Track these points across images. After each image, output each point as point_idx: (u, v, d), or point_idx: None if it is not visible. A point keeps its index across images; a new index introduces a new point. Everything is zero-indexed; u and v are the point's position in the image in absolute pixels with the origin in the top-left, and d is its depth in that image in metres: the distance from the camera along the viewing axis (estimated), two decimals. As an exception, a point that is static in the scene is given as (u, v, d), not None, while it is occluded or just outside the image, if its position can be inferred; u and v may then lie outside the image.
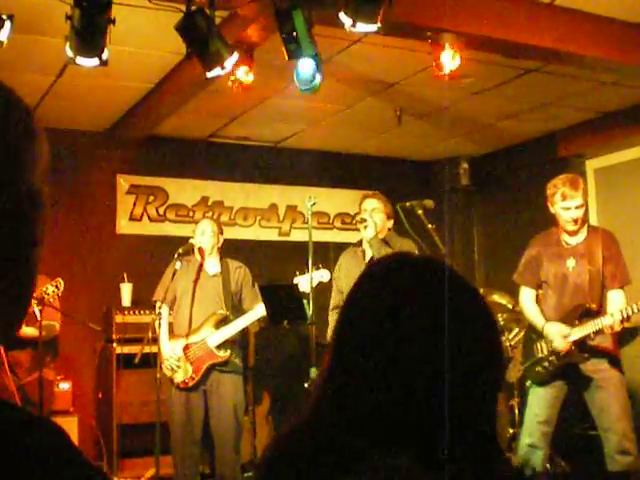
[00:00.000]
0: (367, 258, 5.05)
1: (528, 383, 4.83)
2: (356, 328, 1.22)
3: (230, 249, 5.77)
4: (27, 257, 0.84)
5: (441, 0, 4.58)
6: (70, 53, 4.04)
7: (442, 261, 1.34)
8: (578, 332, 4.51)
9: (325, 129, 7.26)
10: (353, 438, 1.13)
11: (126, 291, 6.74)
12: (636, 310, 4.31)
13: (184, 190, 7.56)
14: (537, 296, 4.86)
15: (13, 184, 0.81)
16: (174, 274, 5.20)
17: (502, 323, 6.11)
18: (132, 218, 7.33)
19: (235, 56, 4.32)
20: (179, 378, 5.21)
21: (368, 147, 7.94)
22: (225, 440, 5.23)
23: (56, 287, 5.11)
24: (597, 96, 6.39)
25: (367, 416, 1.15)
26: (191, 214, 7.49)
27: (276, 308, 5.18)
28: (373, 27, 4.07)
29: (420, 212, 4.80)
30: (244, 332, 5.71)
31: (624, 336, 4.92)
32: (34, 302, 5.00)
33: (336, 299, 5.18)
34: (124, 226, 7.29)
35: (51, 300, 5.15)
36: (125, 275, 6.74)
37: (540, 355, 4.70)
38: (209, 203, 7.66)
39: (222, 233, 5.49)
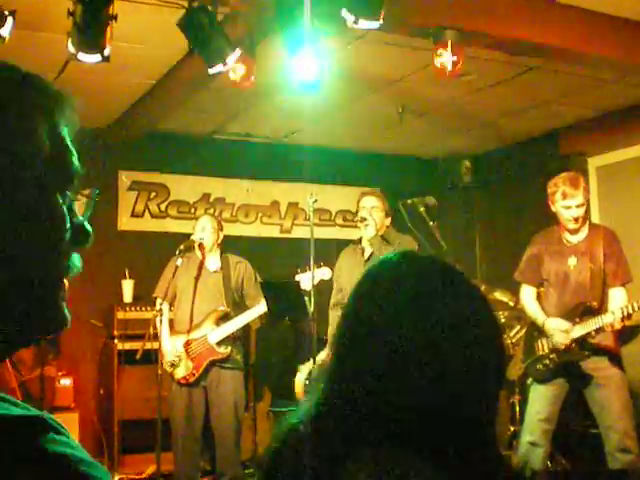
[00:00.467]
0: (367, 256, 5.05)
1: (529, 381, 4.83)
2: (360, 326, 1.23)
3: (231, 246, 5.78)
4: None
5: (443, -3, 4.58)
6: (72, 49, 4.04)
7: (445, 260, 1.34)
8: (579, 330, 4.51)
9: (327, 126, 7.26)
10: (356, 431, 1.13)
11: (127, 287, 6.74)
12: (637, 308, 4.31)
13: (186, 187, 7.56)
14: (538, 294, 4.86)
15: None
16: (175, 270, 5.21)
17: (503, 321, 6.11)
18: (134, 214, 7.34)
19: (237, 53, 4.31)
20: (180, 374, 5.22)
21: (370, 144, 7.94)
22: (225, 436, 5.24)
23: None
24: (599, 94, 6.39)
25: (369, 412, 1.15)
26: (192, 211, 7.49)
27: (277, 305, 5.19)
28: (375, 24, 4.06)
29: (422, 209, 4.81)
30: (245, 328, 5.71)
31: (625, 334, 4.92)
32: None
33: (336, 297, 5.18)
34: (125, 222, 7.29)
35: None
36: (126, 271, 6.75)
37: (541, 353, 4.70)
38: (211, 200, 7.67)
39: (222, 229, 5.50)
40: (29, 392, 5.54)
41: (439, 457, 1.11)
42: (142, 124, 6.81)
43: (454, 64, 4.53)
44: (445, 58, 4.53)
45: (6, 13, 3.95)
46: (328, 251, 5.62)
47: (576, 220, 4.58)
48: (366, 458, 1.10)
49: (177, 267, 5.21)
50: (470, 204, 8.44)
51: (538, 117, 7.04)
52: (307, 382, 5.32)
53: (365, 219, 4.99)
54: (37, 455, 0.71)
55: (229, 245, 5.72)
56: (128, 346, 6.24)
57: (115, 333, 6.41)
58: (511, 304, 6.19)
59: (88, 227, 0.90)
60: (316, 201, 5.11)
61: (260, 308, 5.26)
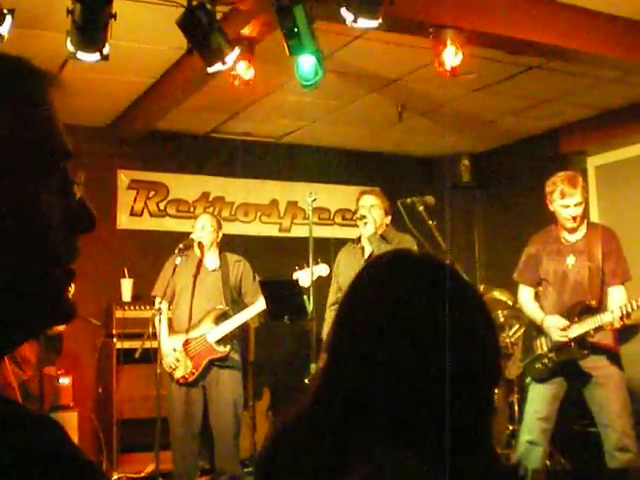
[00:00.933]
0: (366, 254, 5.05)
1: (528, 380, 4.83)
2: (355, 324, 1.23)
3: (231, 245, 5.77)
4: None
5: (443, -4, 4.58)
6: (71, 48, 4.04)
7: (440, 258, 1.34)
8: (578, 329, 4.52)
9: (326, 125, 7.26)
10: (353, 431, 1.13)
11: (126, 286, 6.74)
12: (636, 307, 4.31)
13: (185, 185, 7.56)
14: (536, 293, 4.86)
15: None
16: (174, 269, 5.21)
17: (502, 320, 6.11)
18: (133, 213, 7.33)
19: (236, 51, 4.31)
20: (179, 373, 5.22)
21: (369, 143, 7.93)
22: (224, 435, 5.24)
23: None
24: (599, 93, 6.39)
25: (365, 410, 1.15)
26: (192, 209, 7.49)
27: (276, 304, 5.18)
28: (374, 23, 4.07)
29: (421, 208, 4.80)
30: (244, 327, 5.71)
31: (624, 333, 4.92)
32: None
33: (335, 296, 5.18)
34: (125, 221, 7.29)
35: None
36: (125, 270, 6.75)
37: (540, 352, 4.70)
38: (210, 199, 7.66)
39: (221, 228, 5.50)
40: (28, 391, 5.53)
41: (435, 456, 1.11)
42: (141, 123, 6.80)
43: (454, 63, 4.53)
44: (445, 57, 4.53)
45: (5, 11, 3.95)
46: (327, 250, 5.61)
47: (574, 219, 4.58)
48: (361, 457, 1.10)
49: (176, 266, 5.21)
50: (469, 203, 8.44)
51: (537, 116, 7.04)
52: (306, 380, 5.32)
53: (364, 217, 4.99)
54: (46, 454, 0.71)
55: (228, 244, 5.72)
56: (127, 345, 6.23)
57: (114, 332, 6.40)
58: (510, 303, 6.19)
59: (87, 212, 0.86)
60: (315, 200, 5.11)
61: (258, 306, 5.26)
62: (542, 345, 4.70)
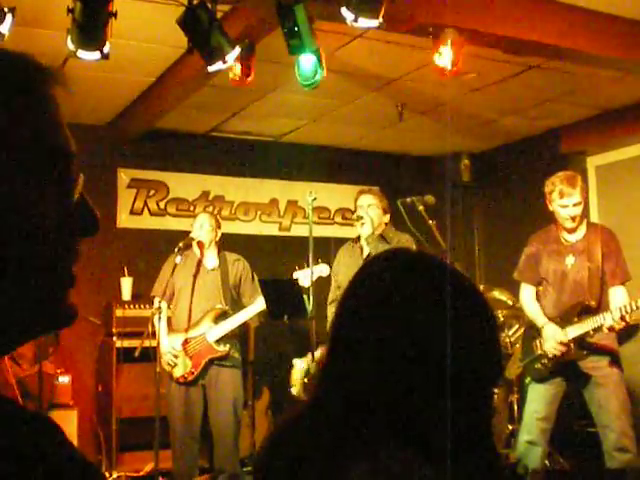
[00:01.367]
0: (365, 254, 5.05)
1: (527, 380, 4.83)
2: (353, 323, 1.23)
3: (230, 244, 5.77)
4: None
5: (443, -4, 4.57)
6: (71, 46, 4.04)
7: (439, 256, 1.34)
8: (577, 329, 4.51)
9: (326, 124, 7.26)
10: (352, 430, 1.14)
11: (126, 285, 6.74)
12: (635, 308, 4.31)
13: (185, 184, 7.56)
14: (537, 292, 4.86)
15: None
16: (174, 268, 5.21)
17: (502, 319, 6.11)
18: (133, 212, 7.33)
19: (236, 50, 4.31)
20: (178, 373, 5.22)
21: (369, 142, 7.93)
22: (224, 434, 5.24)
23: None
24: (599, 93, 6.38)
25: (365, 409, 1.15)
26: (192, 208, 7.49)
27: (276, 303, 5.18)
28: (375, 22, 4.06)
29: (421, 208, 4.81)
30: (244, 327, 5.71)
31: (624, 333, 4.92)
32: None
33: (334, 294, 5.18)
34: (124, 220, 7.29)
35: None
36: (125, 269, 6.74)
37: (539, 352, 4.70)
38: (210, 197, 7.66)
39: (220, 227, 5.50)
40: (27, 389, 5.53)
41: (435, 456, 1.11)
42: (141, 121, 6.80)
43: (454, 63, 4.53)
44: (445, 57, 4.53)
45: (5, 10, 3.95)
46: (327, 249, 5.62)
47: (573, 219, 4.58)
48: (361, 456, 1.10)
49: (176, 265, 5.21)
50: (469, 203, 8.44)
51: (537, 116, 7.04)
52: (306, 380, 5.33)
53: (361, 217, 4.98)
54: (45, 455, 0.71)
55: (228, 243, 5.72)
56: (127, 344, 6.23)
57: (114, 331, 6.40)
58: (510, 303, 6.19)
59: (89, 215, 0.84)
60: (315, 199, 5.11)
61: (258, 305, 5.26)
62: (542, 345, 4.69)
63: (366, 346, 1.18)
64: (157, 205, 7.44)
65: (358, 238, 5.18)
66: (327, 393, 1.22)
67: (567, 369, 4.61)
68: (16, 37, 4.11)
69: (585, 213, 4.84)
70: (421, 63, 5.51)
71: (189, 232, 5.45)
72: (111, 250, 6.86)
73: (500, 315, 6.11)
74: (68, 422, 5.77)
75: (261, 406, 6.75)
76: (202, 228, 5.35)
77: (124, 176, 7.30)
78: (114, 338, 6.37)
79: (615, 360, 4.59)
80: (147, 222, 7.37)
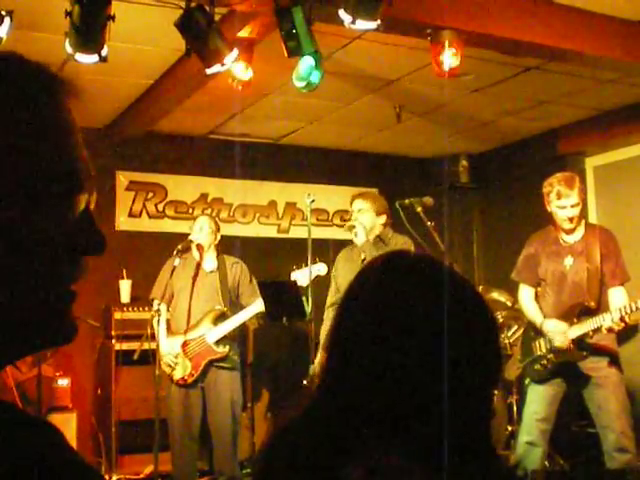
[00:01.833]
0: (363, 256, 5.05)
1: (527, 381, 4.83)
2: (353, 325, 1.23)
3: (229, 246, 5.77)
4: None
5: (441, -3, 4.58)
6: (69, 49, 4.04)
7: (438, 259, 1.34)
8: (577, 330, 4.52)
9: (325, 126, 7.26)
10: (351, 432, 1.14)
11: (125, 288, 6.73)
12: (634, 309, 4.31)
13: (183, 187, 7.56)
14: (536, 293, 4.86)
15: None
16: (173, 271, 5.20)
17: (501, 321, 6.11)
18: (131, 214, 7.33)
19: (234, 53, 4.31)
20: (178, 375, 5.22)
21: (367, 144, 7.93)
22: (223, 436, 5.24)
23: None
24: (597, 94, 6.39)
25: (364, 410, 1.15)
26: (190, 211, 7.49)
27: (275, 305, 5.18)
28: (373, 24, 4.07)
29: (419, 209, 4.80)
30: (243, 329, 5.71)
31: (623, 334, 4.92)
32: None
33: (334, 297, 5.17)
34: (123, 222, 7.28)
35: None
36: (124, 272, 6.74)
37: (539, 353, 4.70)
38: (208, 200, 7.66)
39: (219, 230, 5.50)
40: (26, 392, 5.53)
41: (433, 457, 1.11)
42: (140, 124, 6.80)
43: (452, 64, 4.54)
44: (443, 58, 4.53)
45: (3, 13, 3.95)
46: (325, 251, 5.61)
47: (571, 220, 4.58)
48: (360, 457, 1.10)
49: (175, 267, 5.21)
50: (468, 204, 8.45)
51: (536, 117, 7.05)
52: (305, 382, 5.32)
53: (353, 227, 4.96)
54: (45, 459, 0.71)
55: (227, 245, 5.72)
56: (125, 346, 6.23)
57: (112, 333, 6.40)
58: (509, 304, 6.19)
59: (96, 235, 0.83)
60: (313, 201, 5.11)
61: (257, 306, 5.26)
62: (541, 346, 4.70)
63: (365, 349, 1.18)
64: (156, 207, 7.44)
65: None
66: (327, 395, 1.22)
67: (566, 370, 4.61)
68: (14, 40, 4.11)
69: (583, 214, 4.84)
70: (419, 65, 5.51)
71: (188, 235, 5.45)
72: (109, 252, 6.77)
73: (499, 316, 6.11)
74: (67, 425, 5.77)
75: (260, 408, 6.75)
76: (202, 231, 5.35)
77: (122, 179, 7.29)
78: (113, 341, 6.37)
79: (614, 361, 4.59)
80: (146, 225, 7.37)
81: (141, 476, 6.09)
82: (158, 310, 5.25)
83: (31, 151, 0.78)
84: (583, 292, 4.60)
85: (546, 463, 5.07)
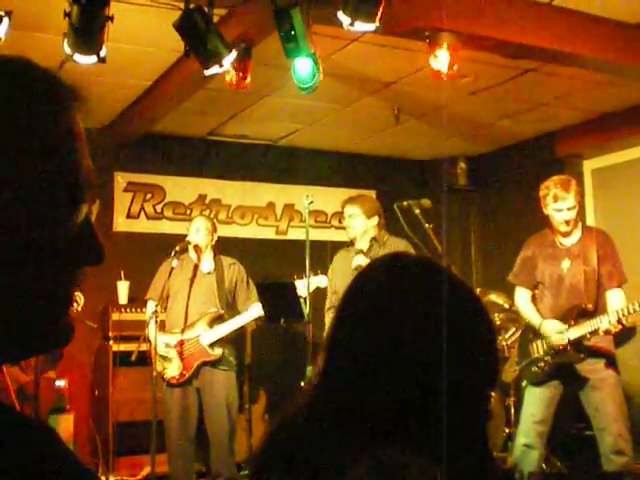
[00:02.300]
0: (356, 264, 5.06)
1: (524, 383, 4.83)
2: (352, 327, 1.23)
3: (227, 247, 5.77)
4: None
5: (439, 0, 4.58)
6: (68, 50, 4.04)
7: (437, 262, 1.34)
8: (574, 332, 4.52)
9: (323, 128, 7.26)
10: (349, 431, 1.14)
11: (123, 289, 6.73)
12: (632, 310, 4.32)
13: (181, 188, 7.56)
14: (533, 296, 4.87)
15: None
16: (171, 272, 5.20)
17: (499, 323, 6.11)
18: (129, 216, 7.32)
19: (233, 54, 4.31)
20: (170, 374, 5.22)
21: (366, 146, 7.94)
22: (219, 437, 5.23)
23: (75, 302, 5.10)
24: (595, 96, 6.40)
25: (362, 411, 1.15)
26: (188, 212, 7.48)
27: (273, 306, 5.18)
28: (371, 26, 4.07)
29: (417, 211, 4.81)
30: (240, 330, 5.71)
31: (620, 336, 4.92)
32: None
33: (331, 299, 5.18)
34: (121, 224, 7.28)
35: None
36: (122, 273, 6.73)
37: (536, 355, 4.70)
38: (206, 201, 7.66)
39: (216, 231, 5.50)
40: (24, 393, 5.52)
41: (431, 459, 1.11)
42: (138, 125, 6.80)
43: (450, 66, 4.54)
44: (441, 60, 4.54)
45: (2, 14, 3.95)
46: (324, 253, 5.61)
47: (567, 223, 4.59)
48: (358, 457, 1.10)
49: (173, 268, 5.20)
50: (466, 206, 8.45)
51: (534, 119, 7.05)
52: (303, 384, 5.32)
53: (352, 244, 5.05)
54: (42, 462, 0.71)
55: (225, 247, 5.71)
56: (123, 347, 6.22)
57: (110, 334, 6.39)
58: (506, 306, 6.19)
59: (95, 246, 0.84)
60: (312, 203, 5.11)
61: (255, 312, 5.25)
62: (538, 348, 4.70)
63: (363, 350, 1.18)
64: (154, 209, 7.44)
65: (352, 242, 5.18)
66: (325, 396, 1.22)
67: (564, 372, 4.61)
68: (13, 41, 4.11)
69: (580, 217, 4.84)
70: (417, 67, 5.52)
71: (185, 236, 5.44)
72: (107, 254, 6.82)
73: (497, 318, 6.11)
74: (64, 426, 5.76)
75: (258, 410, 6.74)
76: (198, 232, 5.34)
77: (121, 180, 7.29)
78: (110, 342, 6.36)
79: (612, 363, 4.59)
80: (144, 226, 7.36)
81: (138, 478, 6.09)
82: (155, 311, 5.25)
83: (37, 159, 0.78)
84: (580, 294, 4.61)
85: (543, 466, 5.06)
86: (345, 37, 4.95)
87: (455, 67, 4.57)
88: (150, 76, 5.83)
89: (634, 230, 6.57)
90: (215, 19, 4.30)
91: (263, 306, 5.17)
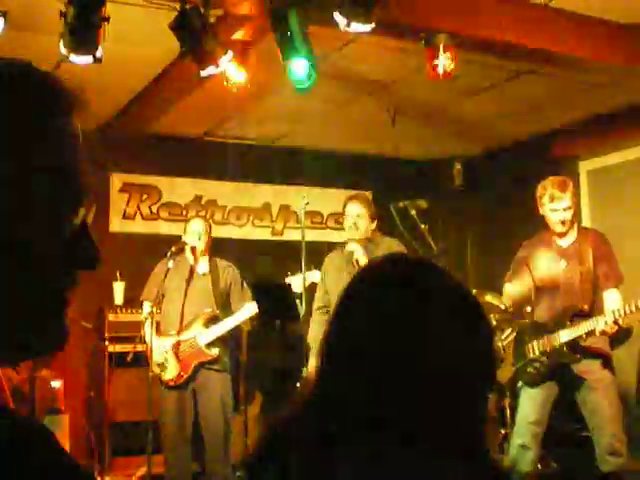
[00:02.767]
0: (354, 258, 5.05)
1: (519, 384, 4.84)
2: (349, 329, 1.23)
3: (223, 248, 5.77)
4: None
5: (435, 1, 4.59)
6: (64, 50, 4.04)
7: (432, 261, 1.34)
8: (570, 333, 4.52)
9: (319, 129, 7.26)
10: (345, 431, 1.14)
11: (119, 290, 6.73)
12: (628, 311, 4.32)
13: (177, 189, 7.55)
14: (531, 297, 4.87)
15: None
16: (167, 273, 5.19)
17: (495, 324, 6.11)
18: (125, 216, 7.32)
19: (229, 55, 4.32)
20: (167, 376, 5.21)
21: (362, 147, 7.94)
22: (214, 438, 5.23)
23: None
24: (591, 98, 6.41)
25: (358, 411, 1.15)
26: (184, 213, 7.48)
27: (268, 307, 5.18)
28: (367, 27, 4.07)
29: (413, 212, 4.81)
30: (236, 331, 5.70)
31: (616, 337, 4.92)
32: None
33: (322, 299, 5.17)
34: (117, 224, 7.27)
35: None
36: (118, 274, 6.73)
37: (532, 356, 4.71)
38: (202, 202, 7.66)
39: (211, 232, 5.49)
40: (20, 393, 5.51)
41: (429, 459, 1.11)
42: (134, 125, 6.80)
43: (446, 68, 4.55)
44: (437, 61, 4.54)
45: (-2, 14, 3.95)
46: (319, 254, 5.61)
47: (563, 223, 4.59)
48: (354, 457, 1.10)
49: (168, 269, 5.19)
50: (461, 207, 8.45)
51: (530, 120, 7.06)
52: (298, 384, 5.32)
53: (352, 229, 5.02)
54: (37, 462, 0.71)
55: (220, 247, 5.71)
56: (119, 348, 6.22)
57: (106, 335, 6.39)
58: (502, 307, 6.19)
59: (92, 251, 0.85)
60: (308, 204, 5.11)
61: (249, 311, 5.25)
62: (534, 349, 4.70)
63: (358, 352, 1.18)
64: (149, 209, 7.43)
65: (347, 242, 5.18)
66: (320, 397, 1.22)
67: (559, 373, 4.61)
68: (8, 41, 4.10)
69: (576, 217, 4.85)
70: (413, 68, 5.52)
71: (181, 237, 5.43)
72: (103, 254, 6.83)
73: (493, 319, 6.11)
74: (60, 427, 5.75)
75: (253, 411, 6.74)
76: (198, 235, 5.32)
77: (116, 180, 7.29)
78: (106, 343, 6.36)
79: (607, 364, 4.59)
80: (139, 226, 7.36)
81: (134, 478, 6.08)
82: (151, 313, 5.24)
83: (37, 163, 0.79)
84: (576, 295, 4.61)
85: (539, 466, 5.07)
86: (341, 38, 4.95)
87: (451, 68, 4.58)
88: (146, 77, 5.83)
89: (630, 231, 6.58)
90: (211, 20, 4.30)
91: (259, 307, 5.17)
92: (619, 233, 6.09)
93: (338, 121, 7.00)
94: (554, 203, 4.55)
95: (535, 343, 4.70)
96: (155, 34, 4.78)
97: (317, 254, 5.51)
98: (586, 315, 4.52)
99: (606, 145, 7.05)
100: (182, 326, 5.23)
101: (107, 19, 3.94)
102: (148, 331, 5.26)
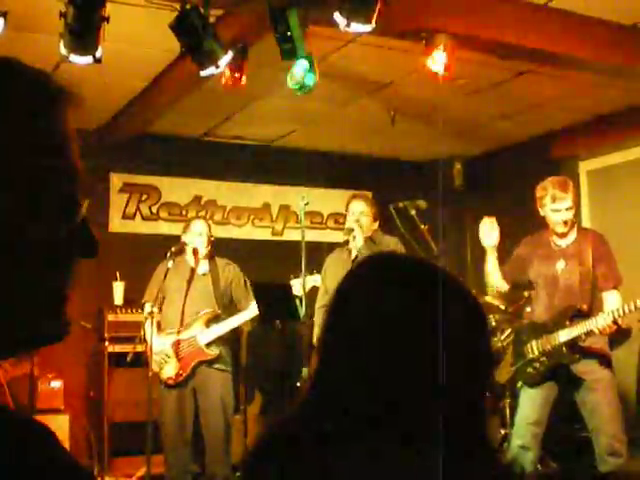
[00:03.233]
0: (353, 256, 5.06)
1: (519, 384, 4.83)
2: (344, 327, 1.23)
3: (223, 248, 5.76)
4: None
5: (435, 1, 4.59)
6: (64, 51, 4.04)
7: (429, 260, 1.34)
8: (569, 333, 4.52)
9: (319, 129, 7.26)
10: (343, 430, 1.14)
11: (118, 290, 6.73)
12: (627, 311, 4.32)
13: (177, 189, 7.56)
14: (529, 297, 4.87)
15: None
16: (167, 273, 5.19)
17: (494, 324, 6.12)
18: (125, 217, 7.32)
19: (229, 55, 4.31)
20: (167, 374, 5.21)
21: (362, 147, 7.94)
22: (215, 438, 5.23)
23: None
24: (591, 98, 6.41)
25: (356, 411, 1.15)
26: (184, 213, 7.49)
27: (269, 307, 5.18)
28: (367, 27, 4.07)
29: (413, 212, 4.82)
30: (236, 331, 5.70)
31: (615, 337, 4.92)
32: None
33: (323, 299, 5.18)
34: (117, 225, 7.27)
35: None
36: (117, 274, 6.73)
37: (531, 356, 4.71)
38: (202, 202, 7.66)
39: (211, 233, 5.49)
40: (18, 394, 5.51)
41: (428, 459, 1.11)
42: (134, 126, 6.79)
43: (446, 67, 4.54)
44: (437, 61, 4.54)
45: (-3, 14, 3.95)
46: (319, 254, 5.61)
47: (565, 223, 4.59)
48: (352, 456, 1.10)
49: (168, 269, 5.19)
50: (461, 207, 8.45)
51: (529, 121, 7.06)
52: (298, 384, 5.33)
53: (352, 230, 4.98)
54: (38, 461, 0.71)
55: (220, 247, 5.70)
56: (118, 348, 6.22)
57: (106, 335, 6.39)
58: (502, 307, 6.20)
59: (89, 239, 0.86)
60: (308, 204, 5.11)
61: (251, 311, 5.25)
62: (533, 349, 4.70)
63: (356, 350, 1.18)
64: (149, 210, 7.43)
65: (347, 242, 5.18)
66: (318, 396, 1.22)
67: (559, 373, 4.61)
68: (8, 41, 4.11)
69: (576, 218, 4.85)
70: (413, 68, 5.51)
71: (181, 237, 5.43)
72: (103, 255, 6.78)
73: (492, 320, 6.12)
74: (60, 427, 5.75)
75: (253, 411, 6.74)
76: (200, 236, 5.31)
77: (116, 180, 7.29)
78: (106, 343, 6.36)
79: (607, 364, 4.59)
80: (139, 227, 7.36)
81: (134, 478, 6.08)
82: (151, 313, 5.24)
83: (34, 160, 0.79)
84: (575, 295, 4.61)
85: (538, 466, 5.07)
86: (341, 38, 4.95)
87: (451, 68, 4.57)
88: (146, 77, 5.82)
89: (629, 231, 6.58)
90: (211, 20, 4.30)
91: (259, 307, 5.17)
92: (619, 233, 6.09)
93: (338, 121, 7.00)
94: (556, 203, 4.55)
95: (534, 343, 4.70)
96: (155, 34, 4.79)
97: (317, 254, 5.51)
98: (585, 315, 4.51)
99: (606, 145, 7.05)
100: (182, 326, 5.23)
101: (107, 19, 3.94)
102: (149, 330, 5.26)
